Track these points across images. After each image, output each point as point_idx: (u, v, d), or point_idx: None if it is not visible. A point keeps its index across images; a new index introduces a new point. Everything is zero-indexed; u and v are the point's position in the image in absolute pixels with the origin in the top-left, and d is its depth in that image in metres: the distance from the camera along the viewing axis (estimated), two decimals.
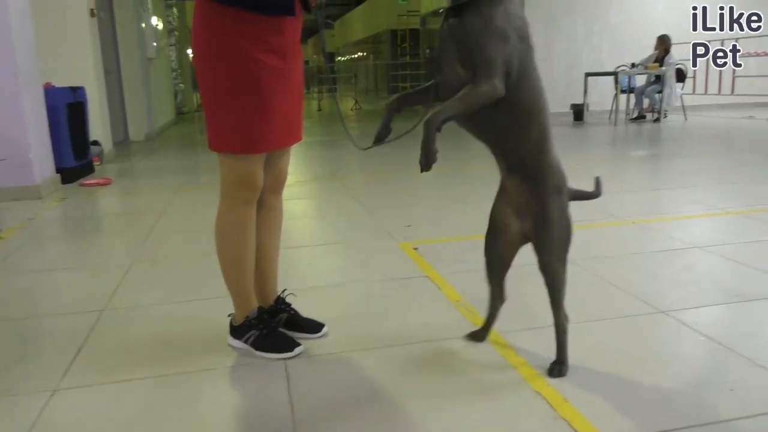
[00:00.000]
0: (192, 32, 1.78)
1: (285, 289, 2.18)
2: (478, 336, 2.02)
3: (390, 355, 1.96)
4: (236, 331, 2.01)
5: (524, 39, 1.62)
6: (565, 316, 1.82)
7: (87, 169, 5.91)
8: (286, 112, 1.85)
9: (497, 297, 1.98)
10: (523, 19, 1.64)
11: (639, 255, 2.89)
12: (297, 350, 1.94)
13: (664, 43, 9.43)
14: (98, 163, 6.47)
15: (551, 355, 1.87)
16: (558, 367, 1.78)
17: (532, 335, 2.05)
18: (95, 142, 6.49)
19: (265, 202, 2.01)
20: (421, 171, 1.67)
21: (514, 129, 1.71)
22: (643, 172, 5.14)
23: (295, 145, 2.00)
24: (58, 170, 5.30)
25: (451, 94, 1.63)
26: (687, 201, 3.96)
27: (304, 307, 2.24)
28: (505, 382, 1.76)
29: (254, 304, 2.01)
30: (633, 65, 9.63)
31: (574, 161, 5.75)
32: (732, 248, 2.92)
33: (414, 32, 20.10)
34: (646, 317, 2.17)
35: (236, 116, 1.76)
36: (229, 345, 2.02)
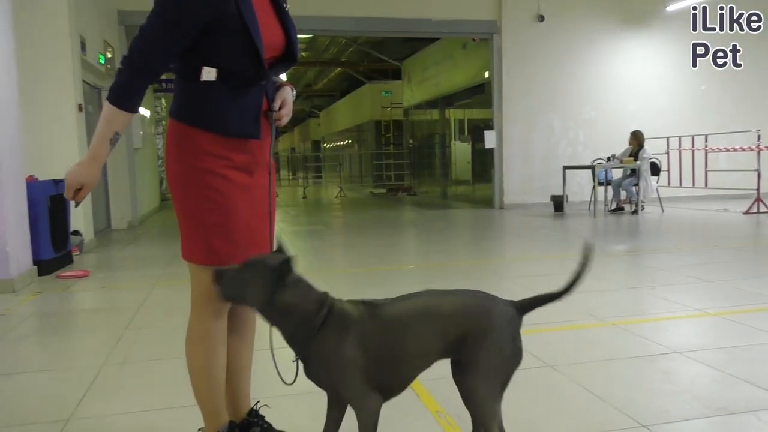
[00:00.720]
0: (165, 149, 1.86)
1: (258, 401, 2.12)
2: None
3: None
4: None
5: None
6: None
7: (65, 260, 5.84)
8: (254, 228, 1.87)
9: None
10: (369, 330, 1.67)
11: (619, 360, 2.86)
12: None
13: (637, 139, 9.81)
14: (77, 253, 6.41)
15: None
16: None
17: None
18: (75, 232, 6.46)
19: (237, 313, 1.99)
20: None
21: None
22: (623, 268, 5.20)
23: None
24: (36, 262, 5.24)
25: None
26: (666, 301, 3.98)
27: (279, 416, 2.17)
28: None
29: (225, 418, 1.93)
30: (609, 158, 9.95)
31: (556, 254, 5.82)
32: (712, 354, 2.91)
33: (397, 123, 20.75)
34: (627, 431, 2.13)
35: (202, 230, 1.81)
36: None
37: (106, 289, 4.81)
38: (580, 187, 11.21)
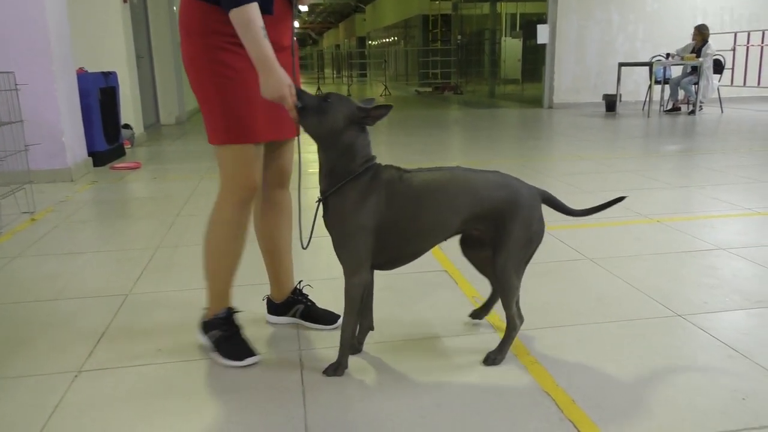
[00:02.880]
0: (180, 36, 1.81)
1: (301, 280, 2.23)
2: (479, 315, 2.16)
3: (403, 348, 1.98)
4: (204, 325, 1.99)
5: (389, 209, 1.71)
6: (520, 317, 1.90)
7: (118, 153, 6.04)
8: (273, 105, 1.81)
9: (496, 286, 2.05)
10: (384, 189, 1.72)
11: (661, 255, 2.85)
12: (248, 360, 1.89)
13: (701, 33, 9.20)
14: (129, 146, 6.61)
15: (564, 355, 1.88)
16: (494, 357, 1.87)
17: (545, 334, 2.06)
18: (126, 126, 6.62)
19: (270, 197, 2.06)
20: (325, 374, 1.82)
21: None
22: (673, 168, 5.05)
23: (294, 140, 2.02)
24: (90, 154, 5.43)
25: None
26: (715, 200, 3.89)
27: (322, 298, 2.28)
28: (514, 382, 1.77)
29: (227, 304, 1.98)
30: (668, 55, 9.41)
31: (604, 154, 5.69)
32: (757, 251, 2.87)
33: (446, 17, 19.93)
34: (663, 320, 2.16)
35: (221, 107, 1.77)
36: (197, 339, 2.03)
37: (158, 180, 4.98)
38: (635, 85, 10.73)
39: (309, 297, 2.21)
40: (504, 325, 1.90)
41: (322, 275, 2.68)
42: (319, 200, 1.75)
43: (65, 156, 4.86)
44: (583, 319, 2.18)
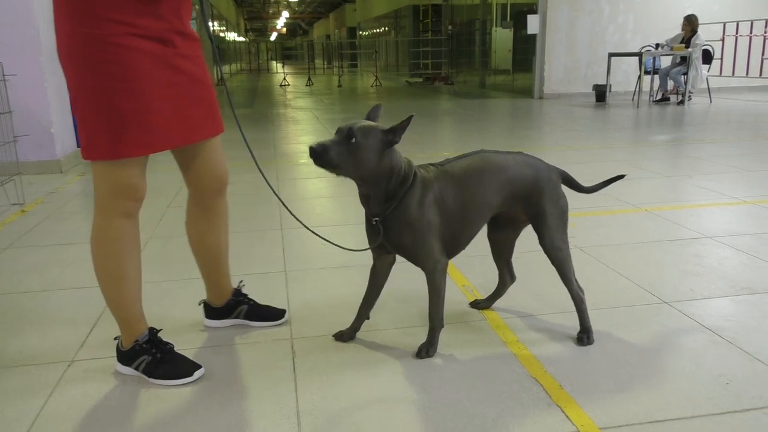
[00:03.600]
0: (54, 26, 1.56)
1: (242, 281, 2.21)
2: (481, 305, 2.20)
3: (395, 335, 2.01)
4: (124, 356, 1.79)
5: (445, 196, 1.78)
6: (580, 289, 1.97)
7: None
8: (178, 105, 1.64)
9: (505, 277, 2.14)
10: (437, 185, 1.77)
11: (648, 244, 2.89)
12: (197, 374, 1.77)
13: (691, 24, 9.24)
14: None
15: (552, 341, 1.91)
16: (584, 336, 1.94)
17: (534, 322, 2.09)
18: None
19: (206, 205, 1.91)
20: (417, 357, 1.87)
21: None
22: (662, 157, 5.09)
23: (219, 135, 1.84)
24: (79, 145, 5.40)
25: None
26: (703, 189, 3.93)
27: (312, 288, 2.29)
28: (503, 368, 1.80)
29: (144, 327, 1.81)
30: (658, 45, 9.45)
31: (594, 145, 5.72)
32: (743, 239, 2.91)
33: (436, 8, 19.86)
34: (650, 307, 2.19)
35: (108, 117, 1.53)
36: (117, 372, 1.82)
37: (148, 171, 4.94)
38: (625, 76, 10.77)
39: (249, 296, 2.15)
40: (494, 314, 1.93)
41: (314, 265, 2.70)
42: (376, 222, 1.74)
43: (54, 147, 4.84)
44: (571, 306, 2.21)
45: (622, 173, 2.07)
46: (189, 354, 1.89)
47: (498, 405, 1.61)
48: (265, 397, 1.68)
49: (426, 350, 1.87)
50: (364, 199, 1.74)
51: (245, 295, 2.14)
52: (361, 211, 3.56)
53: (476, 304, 2.22)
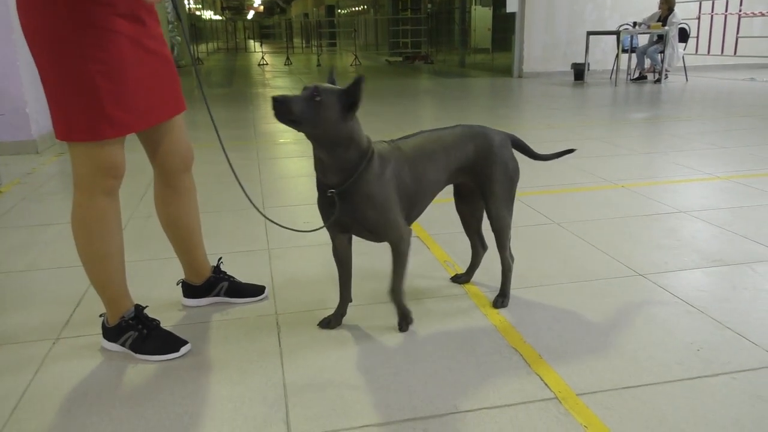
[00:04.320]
0: (19, 7, 1.53)
1: (220, 258, 2.23)
2: (461, 279, 2.26)
3: (377, 310, 2.04)
4: (110, 333, 1.82)
5: (411, 171, 1.82)
6: (511, 256, 2.07)
7: None
8: (151, 85, 1.66)
9: (477, 247, 2.22)
10: (399, 160, 1.80)
11: (624, 219, 2.95)
12: (183, 350, 1.80)
13: (668, 2, 9.30)
14: None
15: (531, 313, 1.97)
16: (501, 299, 2.06)
17: (513, 294, 2.14)
18: None
19: (173, 183, 1.92)
20: (401, 331, 1.91)
21: None
22: (639, 135, 5.16)
23: (182, 112, 1.86)
24: None
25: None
26: (678, 166, 4.01)
27: (296, 264, 2.32)
28: (483, 339, 1.85)
29: (129, 303, 1.83)
30: (635, 24, 9.51)
31: (572, 123, 5.78)
32: (716, 213, 2.99)
33: None
34: (624, 279, 2.26)
35: (87, 98, 1.53)
36: (103, 348, 1.85)
37: (127, 151, 4.90)
38: (603, 54, 10.83)
39: (228, 273, 2.17)
40: (474, 288, 1.97)
41: (297, 243, 2.72)
42: (332, 194, 1.70)
43: (29, 128, 4.76)
44: (549, 279, 2.27)
45: (573, 148, 2.17)
46: (174, 331, 1.90)
47: (479, 374, 1.66)
48: (252, 370, 1.71)
49: (405, 322, 1.92)
50: (320, 166, 1.68)
51: (225, 273, 2.16)
52: None
53: (457, 279, 2.27)
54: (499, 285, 2.12)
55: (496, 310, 2.03)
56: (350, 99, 1.61)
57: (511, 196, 1.97)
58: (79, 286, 2.29)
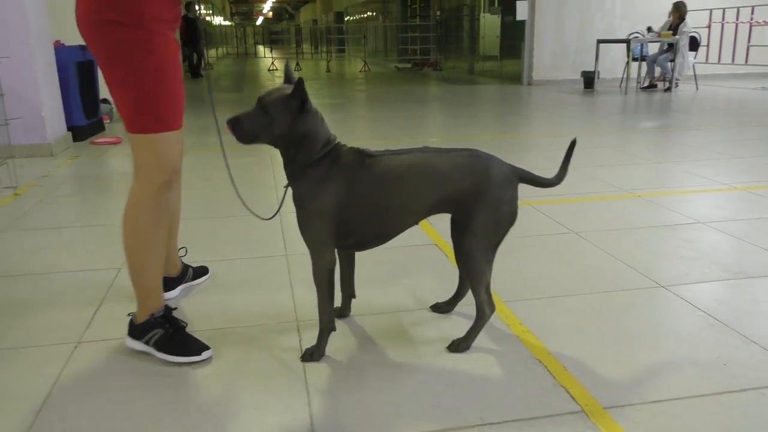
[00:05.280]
0: (83, 19, 1.68)
1: (184, 247, 2.45)
2: (442, 308, 2.10)
3: (396, 320, 2.04)
4: (136, 330, 1.85)
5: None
6: (489, 306, 1.83)
7: (97, 128, 5.95)
8: (181, 89, 1.82)
9: (464, 279, 2.05)
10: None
11: (642, 229, 2.94)
12: (205, 354, 1.81)
13: (678, 11, 9.30)
14: (108, 121, 6.51)
15: (554, 324, 1.96)
16: (459, 343, 1.85)
17: (535, 305, 2.13)
18: (105, 101, 6.51)
19: (175, 180, 1.93)
20: (302, 360, 1.81)
21: None
22: (651, 144, 5.15)
23: None
24: (69, 128, 5.35)
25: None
26: (693, 175, 3.99)
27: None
28: (507, 350, 1.84)
29: (161, 302, 1.87)
30: (650, 29, 9.51)
31: (584, 131, 5.77)
32: (735, 224, 2.97)
33: None
34: (647, 291, 2.24)
35: (151, 98, 1.70)
36: (127, 347, 1.87)
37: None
38: (613, 63, 10.82)
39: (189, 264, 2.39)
40: (495, 297, 1.95)
41: (254, 255, 2.71)
42: (286, 187, 1.77)
43: (45, 130, 4.78)
44: (570, 290, 2.26)
45: (574, 138, 1.95)
46: (196, 335, 1.90)
47: (504, 386, 1.65)
48: (274, 378, 1.71)
49: (311, 354, 1.80)
50: (283, 161, 1.73)
51: (189, 266, 2.37)
52: None
53: (437, 308, 2.10)
54: (520, 294, 2.11)
55: (518, 321, 2.02)
56: (296, 101, 1.62)
57: (492, 241, 1.75)
58: (99, 290, 2.29)
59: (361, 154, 1.71)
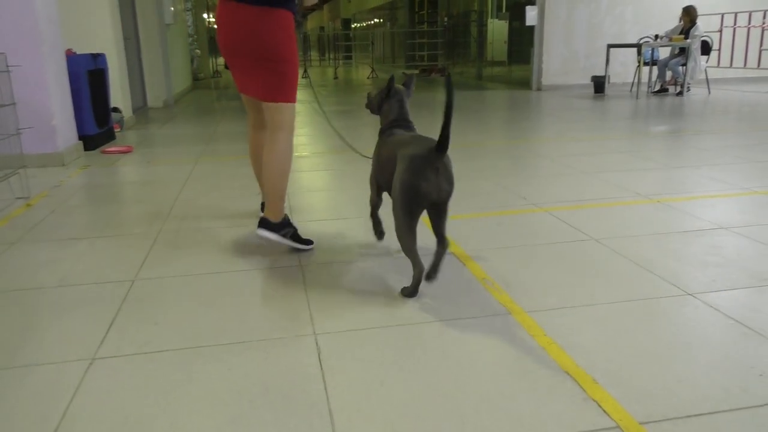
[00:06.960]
0: (256, 30, 2.47)
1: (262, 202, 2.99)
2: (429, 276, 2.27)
3: (413, 332, 1.98)
4: (275, 226, 2.65)
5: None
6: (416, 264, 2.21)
7: (108, 137, 5.94)
8: None
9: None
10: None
11: (664, 235, 2.88)
12: (311, 245, 2.75)
13: (689, 15, 9.24)
14: (119, 130, 6.51)
15: (580, 335, 1.90)
16: (408, 290, 2.24)
17: (559, 315, 2.07)
18: (116, 109, 6.51)
19: (265, 137, 2.73)
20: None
21: None
22: (665, 148, 5.08)
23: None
24: (80, 137, 5.33)
25: None
26: (711, 180, 3.93)
27: (333, 281, 2.26)
28: (534, 363, 1.78)
29: (284, 210, 2.71)
30: (657, 37, 9.44)
31: (596, 136, 5.70)
32: (759, 230, 2.90)
33: None
34: (673, 299, 2.18)
35: (293, 80, 2.61)
36: (260, 236, 2.66)
37: (152, 164, 4.91)
38: (623, 67, 10.77)
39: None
40: (517, 307, 1.89)
41: (324, 258, 2.66)
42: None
43: (56, 140, 4.77)
44: (595, 299, 2.20)
45: (446, 73, 2.24)
46: (213, 351, 1.85)
47: (533, 400, 1.59)
48: (293, 395, 1.66)
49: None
50: None
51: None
52: (364, 207, 3.54)
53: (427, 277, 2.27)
54: (543, 304, 2.05)
55: (542, 331, 1.96)
56: (386, 89, 2.66)
57: (400, 206, 2.12)
58: (112, 305, 2.25)
59: (393, 128, 2.52)
